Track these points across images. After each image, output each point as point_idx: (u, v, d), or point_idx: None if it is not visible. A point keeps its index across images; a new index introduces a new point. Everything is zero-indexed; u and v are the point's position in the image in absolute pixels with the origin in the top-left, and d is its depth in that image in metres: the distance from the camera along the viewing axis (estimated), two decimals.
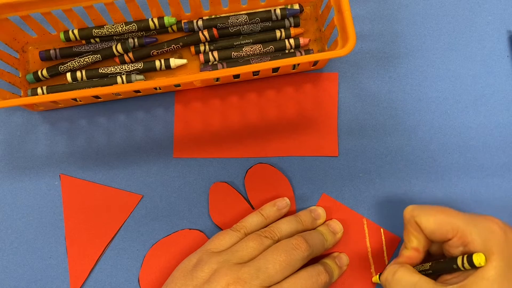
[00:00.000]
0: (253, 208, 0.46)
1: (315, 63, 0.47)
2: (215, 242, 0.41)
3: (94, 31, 0.48)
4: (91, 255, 0.46)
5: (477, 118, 0.48)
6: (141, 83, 0.42)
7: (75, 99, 0.46)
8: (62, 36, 0.48)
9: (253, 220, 0.43)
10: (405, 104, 0.49)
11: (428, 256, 0.41)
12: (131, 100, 0.49)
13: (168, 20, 0.48)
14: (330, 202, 0.47)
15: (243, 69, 0.41)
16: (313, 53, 0.48)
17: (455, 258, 0.36)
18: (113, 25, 0.47)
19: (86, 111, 0.49)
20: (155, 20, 0.47)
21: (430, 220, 0.37)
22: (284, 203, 0.45)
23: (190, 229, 0.46)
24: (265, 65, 0.41)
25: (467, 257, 0.35)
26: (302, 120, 0.48)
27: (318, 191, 0.47)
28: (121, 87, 0.41)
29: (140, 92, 0.47)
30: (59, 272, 0.46)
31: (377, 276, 0.42)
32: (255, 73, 0.47)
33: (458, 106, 0.49)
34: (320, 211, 0.45)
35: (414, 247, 0.39)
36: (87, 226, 0.46)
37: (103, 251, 0.46)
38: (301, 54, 0.47)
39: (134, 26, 0.47)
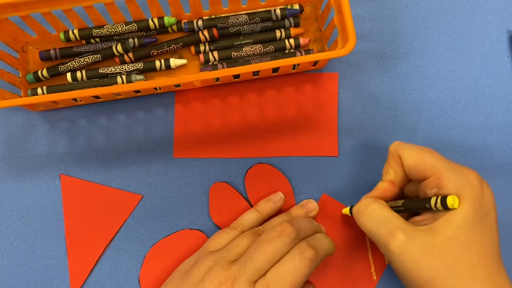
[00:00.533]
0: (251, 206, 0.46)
1: (315, 63, 0.47)
2: (213, 241, 0.42)
3: (94, 31, 0.48)
4: (91, 255, 0.46)
5: (477, 118, 0.48)
6: (141, 83, 0.42)
7: (75, 99, 0.46)
8: (62, 36, 0.48)
9: (249, 217, 0.44)
10: (405, 104, 0.49)
11: (401, 197, 0.41)
12: (131, 100, 0.49)
13: (168, 20, 0.48)
14: (330, 202, 0.47)
15: (243, 69, 0.41)
16: (313, 53, 0.48)
17: (429, 198, 0.37)
18: (113, 25, 0.47)
19: (86, 111, 0.49)
20: (155, 20, 0.47)
21: (412, 155, 0.38)
22: (278, 197, 0.45)
23: (190, 229, 0.46)
24: (265, 65, 0.41)
25: (441, 198, 0.35)
26: (302, 120, 0.48)
27: (318, 191, 0.47)
28: (121, 87, 0.41)
29: (140, 92, 0.47)
30: (59, 272, 0.46)
31: (348, 208, 0.43)
32: (255, 73, 0.47)
33: (458, 106, 0.49)
34: (311, 205, 0.45)
35: (390, 179, 0.40)
36: (87, 226, 0.46)
37: (103, 251, 0.46)
38: (301, 54, 0.47)
39: (134, 26, 0.47)
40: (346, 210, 0.44)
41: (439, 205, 0.35)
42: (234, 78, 0.47)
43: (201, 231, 0.46)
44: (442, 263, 0.34)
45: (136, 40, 0.48)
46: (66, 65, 0.48)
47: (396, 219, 0.37)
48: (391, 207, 0.39)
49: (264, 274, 0.37)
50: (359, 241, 0.46)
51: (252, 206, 0.46)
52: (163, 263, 0.45)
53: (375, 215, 0.38)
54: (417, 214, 0.39)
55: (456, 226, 0.35)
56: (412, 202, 0.38)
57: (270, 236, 0.38)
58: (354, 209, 0.40)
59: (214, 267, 0.38)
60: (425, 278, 0.35)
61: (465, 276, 0.34)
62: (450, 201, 0.35)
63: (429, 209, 0.37)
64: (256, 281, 0.37)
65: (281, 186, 0.47)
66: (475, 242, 0.35)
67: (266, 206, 0.45)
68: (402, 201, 0.39)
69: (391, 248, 0.36)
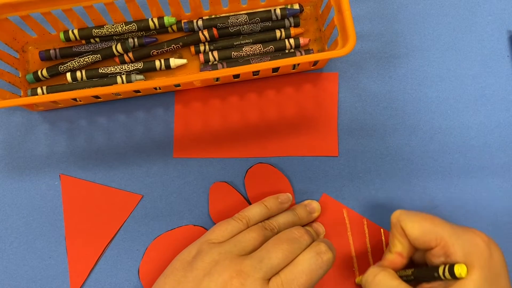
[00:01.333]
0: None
1: (315, 63, 0.47)
2: (216, 232, 0.40)
3: (94, 31, 0.48)
4: (91, 255, 0.46)
5: (477, 118, 0.48)
6: (141, 83, 0.42)
7: (75, 99, 0.46)
8: (62, 36, 0.48)
9: (256, 210, 0.42)
10: (405, 104, 0.49)
11: (411, 263, 0.41)
12: (131, 100, 0.49)
13: (168, 20, 0.48)
14: (330, 202, 0.47)
15: (243, 69, 0.41)
16: (313, 53, 0.48)
17: (437, 267, 0.36)
18: (113, 25, 0.47)
19: (86, 111, 0.49)
20: (155, 20, 0.47)
21: (415, 227, 0.37)
22: (286, 197, 0.45)
23: (194, 225, 0.46)
24: (265, 65, 0.41)
25: (448, 267, 0.35)
26: (302, 120, 0.48)
27: (318, 191, 0.47)
28: (121, 87, 0.41)
29: (140, 92, 0.47)
30: (59, 272, 0.46)
31: (360, 277, 0.42)
32: (255, 73, 0.47)
33: (458, 106, 0.49)
34: (315, 205, 0.45)
35: (398, 251, 0.39)
36: (87, 226, 0.46)
37: (103, 251, 0.46)
38: (301, 54, 0.47)
39: (134, 26, 0.47)
40: (359, 279, 0.43)
41: (447, 274, 0.35)
42: (234, 78, 0.47)
43: (205, 228, 0.46)
44: None
45: (136, 40, 0.48)
46: (66, 65, 0.48)
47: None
48: (401, 277, 0.38)
49: (277, 273, 0.37)
50: (359, 243, 0.46)
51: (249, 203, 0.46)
52: (164, 256, 0.45)
53: (383, 285, 0.37)
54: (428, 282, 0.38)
55: None
56: (421, 271, 0.38)
57: (290, 236, 0.38)
58: (363, 279, 0.39)
59: (221, 261, 0.37)
60: None
61: None
62: (457, 270, 0.34)
63: (439, 278, 0.36)
64: (269, 279, 0.36)
65: (281, 186, 0.47)
66: None
67: (274, 203, 0.44)
68: (412, 270, 0.38)
69: None
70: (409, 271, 0.38)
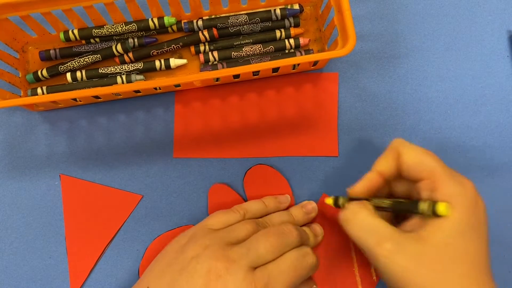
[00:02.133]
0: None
1: (315, 63, 0.47)
2: (213, 218, 0.41)
3: (94, 31, 0.48)
4: (91, 255, 0.46)
5: (477, 118, 0.48)
6: (141, 83, 0.42)
7: (75, 99, 0.46)
8: (62, 36, 0.48)
9: (254, 205, 0.43)
10: (405, 104, 0.49)
11: (390, 195, 0.41)
12: (131, 100, 0.49)
13: (168, 20, 0.48)
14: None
15: (243, 69, 0.41)
16: (313, 53, 0.48)
17: (418, 201, 0.36)
18: (113, 25, 0.47)
19: (86, 111, 0.49)
20: (155, 20, 0.47)
21: (413, 154, 0.37)
22: (284, 198, 0.45)
23: (194, 225, 0.46)
24: (265, 65, 0.41)
25: (432, 204, 0.35)
26: (302, 120, 0.48)
27: (318, 191, 0.47)
28: (121, 87, 0.41)
29: (140, 92, 0.47)
30: (59, 272, 0.46)
31: (331, 199, 0.41)
32: (255, 73, 0.47)
33: (458, 106, 0.49)
34: (310, 206, 0.45)
35: (380, 170, 0.39)
36: (87, 226, 0.46)
37: (103, 251, 0.46)
38: (301, 54, 0.47)
39: (134, 26, 0.47)
40: (329, 201, 0.42)
41: (428, 209, 0.35)
42: (234, 78, 0.47)
43: None
44: (431, 272, 0.34)
45: (136, 40, 0.48)
46: (66, 65, 0.48)
47: (384, 228, 0.36)
48: (378, 207, 0.38)
49: (264, 264, 0.37)
50: None
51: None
52: None
53: (362, 224, 0.37)
54: (405, 215, 0.38)
55: (446, 234, 0.34)
56: (401, 204, 0.37)
57: (279, 230, 0.38)
58: (341, 216, 0.39)
59: (211, 246, 0.37)
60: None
61: (454, 286, 0.34)
62: (440, 207, 0.34)
63: (418, 213, 0.36)
64: (255, 268, 0.36)
65: (280, 187, 0.47)
66: (465, 252, 0.34)
67: (272, 201, 0.44)
68: (390, 202, 0.38)
69: (379, 258, 0.35)
70: (386, 202, 0.38)
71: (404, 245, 0.35)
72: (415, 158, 0.37)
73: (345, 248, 0.45)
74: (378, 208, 0.38)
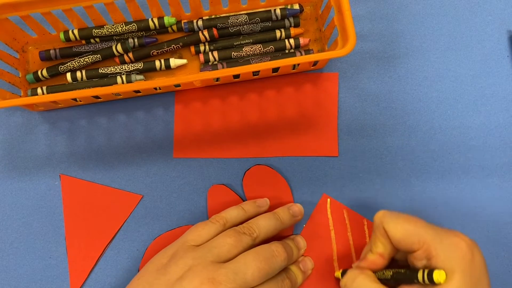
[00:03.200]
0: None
1: (315, 63, 0.47)
2: (192, 234, 0.40)
3: (94, 31, 0.48)
4: (91, 255, 0.46)
5: (477, 118, 0.48)
6: (141, 83, 0.42)
7: (75, 99, 0.46)
8: (62, 36, 0.48)
9: (233, 212, 0.42)
10: (405, 104, 0.49)
11: (392, 261, 0.41)
12: (131, 100, 0.49)
13: (168, 20, 0.48)
14: (330, 202, 0.47)
15: (243, 69, 0.41)
16: (313, 53, 0.48)
17: (417, 271, 0.36)
18: (113, 25, 0.47)
19: (86, 111, 0.49)
20: (155, 20, 0.47)
21: (398, 228, 0.37)
22: (263, 201, 0.45)
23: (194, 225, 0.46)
24: (265, 65, 0.41)
25: (427, 272, 0.35)
26: (302, 120, 0.48)
27: (318, 191, 0.47)
28: (121, 87, 0.41)
29: (140, 92, 0.47)
30: (59, 272, 0.46)
31: (340, 272, 0.43)
32: (255, 73, 0.47)
33: (458, 106, 0.49)
34: (297, 209, 0.45)
35: (379, 252, 0.38)
36: (87, 226, 0.46)
37: (103, 251, 0.46)
38: (301, 54, 0.47)
39: (134, 26, 0.47)
40: (338, 274, 0.43)
41: (426, 279, 0.35)
42: (234, 78, 0.47)
43: None
44: None
45: (136, 40, 0.48)
46: (66, 65, 0.48)
47: None
48: (380, 279, 0.38)
49: None
50: (359, 243, 0.46)
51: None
52: None
53: None
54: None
55: None
56: (401, 275, 0.37)
57: (268, 254, 0.38)
58: (342, 282, 0.39)
59: (194, 266, 0.37)
60: None
61: None
62: (436, 277, 0.34)
63: (418, 282, 0.36)
64: None
65: (279, 187, 0.47)
66: None
67: (252, 206, 0.44)
68: (391, 273, 0.38)
69: None
70: (388, 274, 0.38)
71: None
72: (401, 232, 0.37)
73: (345, 248, 0.45)
74: (381, 280, 0.38)
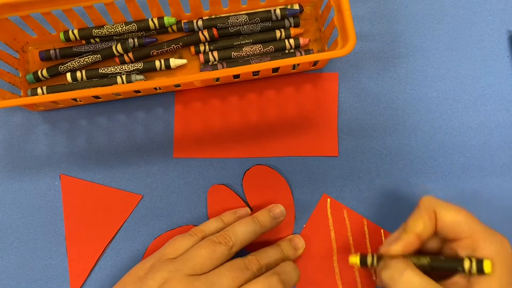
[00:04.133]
0: (251, 209, 0.46)
1: (315, 63, 0.47)
2: (170, 247, 0.40)
3: (94, 31, 0.48)
4: (91, 255, 0.46)
5: (477, 118, 0.48)
6: (141, 83, 0.42)
7: (75, 99, 0.46)
8: (62, 36, 0.48)
9: (212, 224, 0.42)
10: (405, 104, 0.49)
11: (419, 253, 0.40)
12: (131, 100, 0.49)
13: (168, 20, 0.48)
14: (330, 202, 0.47)
15: (243, 69, 0.41)
16: (313, 53, 0.48)
17: (461, 260, 0.36)
18: (113, 25, 0.47)
19: (86, 111, 0.49)
20: (155, 20, 0.47)
21: (451, 214, 0.37)
22: (244, 211, 0.45)
23: (194, 225, 0.46)
24: (265, 65, 0.41)
25: (476, 261, 0.35)
26: (302, 120, 0.48)
27: (318, 191, 0.47)
28: (121, 87, 0.41)
29: (140, 92, 0.47)
30: (59, 272, 0.46)
31: (356, 257, 0.40)
32: (255, 73, 0.47)
33: (458, 106, 0.49)
34: (278, 210, 0.44)
35: (417, 232, 0.38)
36: (87, 226, 0.46)
37: (103, 251, 0.46)
38: (301, 54, 0.47)
39: (134, 26, 0.47)
40: (355, 260, 0.40)
41: (474, 269, 0.35)
42: (234, 78, 0.47)
43: None
44: None
45: (136, 40, 0.48)
46: (66, 65, 0.48)
47: (434, 287, 0.35)
48: (416, 264, 0.37)
49: None
50: (359, 243, 0.46)
51: (250, 208, 0.46)
52: None
53: (410, 283, 0.36)
54: (437, 274, 0.38)
55: None
56: (440, 262, 0.37)
57: (241, 266, 0.38)
58: (386, 274, 0.37)
59: (170, 280, 0.37)
60: None
61: None
62: (486, 265, 0.34)
63: (459, 272, 0.36)
64: None
65: (279, 187, 0.47)
66: None
67: (231, 217, 0.44)
68: (428, 259, 0.37)
69: None
70: (424, 260, 0.37)
71: None
72: (452, 217, 0.37)
73: (345, 248, 0.45)
74: (416, 266, 0.37)
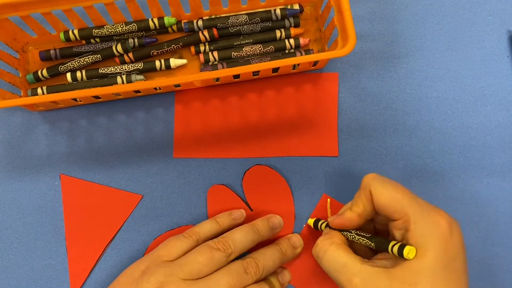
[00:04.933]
0: (251, 210, 0.46)
1: (315, 63, 0.47)
2: (165, 248, 0.40)
3: (94, 31, 0.48)
4: (91, 255, 0.46)
5: (477, 118, 0.48)
6: (141, 83, 0.42)
7: (75, 99, 0.46)
8: (62, 36, 0.48)
9: (206, 226, 0.42)
10: (405, 104, 0.49)
11: (371, 223, 0.41)
12: (131, 100, 0.49)
13: (168, 20, 0.48)
14: (330, 202, 0.47)
15: (243, 69, 0.41)
16: (313, 53, 0.48)
17: (389, 242, 0.36)
18: (113, 25, 0.47)
19: (86, 111, 0.49)
20: (155, 20, 0.48)
21: (384, 194, 0.37)
22: (239, 213, 0.45)
23: (194, 225, 0.46)
24: (265, 65, 0.41)
25: (399, 246, 0.35)
26: (302, 120, 0.48)
27: (318, 191, 0.47)
28: (121, 87, 0.41)
29: (140, 92, 0.47)
30: (59, 272, 0.46)
31: (312, 220, 0.44)
32: (255, 73, 0.47)
33: (458, 106, 0.49)
34: (277, 221, 0.44)
35: (358, 212, 0.39)
36: (87, 226, 0.46)
37: (103, 251, 0.46)
38: (301, 54, 0.47)
39: (134, 26, 0.47)
40: (310, 221, 0.45)
41: (395, 253, 0.35)
42: (234, 78, 0.47)
43: None
44: None
45: (136, 40, 0.48)
46: (66, 65, 0.48)
47: (353, 264, 0.36)
48: (359, 235, 0.39)
49: None
50: None
51: (250, 208, 0.46)
52: None
53: (333, 261, 0.37)
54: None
55: (416, 273, 0.34)
56: (376, 242, 0.38)
57: (239, 270, 0.38)
58: (314, 252, 0.39)
59: (166, 284, 0.37)
60: None
61: None
62: (406, 251, 0.34)
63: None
64: None
65: (279, 186, 0.47)
66: None
67: (226, 219, 0.44)
68: (366, 239, 0.38)
69: None
70: (363, 239, 0.38)
71: (372, 282, 0.35)
72: (385, 198, 0.37)
73: None
74: (355, 244, 0.39)
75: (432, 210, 0.36)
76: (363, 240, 0.38)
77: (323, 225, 0.43)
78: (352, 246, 0.40)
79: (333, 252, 0.38)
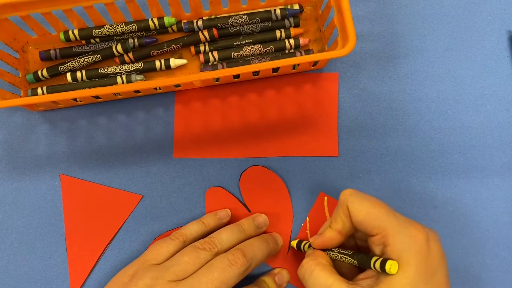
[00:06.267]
0: (249, 211, 0.46)
1: (315, 63, 0.47)
2: (152, 252, 0.40)
3: (94, 31, 0.48)
4: (91, 255, 0.46)
5: (477, 118, 0.48)
6: (141, 83, 0.42)
7: (75, 99, 0.46)
8: (62, 36, 0.48)
9: (192, 227, 0.43)
10: (405, 104, 0.49)
11: (351, 240, 0.41)
12: (131, 100, 0.49)
13: (168, 20, 0.48)
14: (328, 200, 0.46)
15: (243, 69, 0.41)
16: (313, 53, 0.48)
17: (371, 257, 0.36)
18: (113, 25, 0.47)
19: (86, 111, 0.49)
20: (155, 20, 0.48)
21: (361, 210, 0.37)
22: (224, 213, 0.45)
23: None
24: (265, 65, 0.41)
25: (381, 262, 0.35)
26: (302, 120, 0.48)
27: (318, 191, 0.47)
28: (121, 87, 0.41)
29: (140, 92, 0.47)
30: (59, 272, 0.46)
31: (295, 242, 0.44)
32: (255, 73, 0.47)
33: (458, 106, 0.49)
34: (262, 220, 0.45)
35: (338, 229, 0.38)
36: (87, 226, 0.46)
37: (103, 251, 0.46)
38: (301, 54, 0.47)
39: (134, 26, 0.47)
40: (293, 244, 0.44)
41: (378, 268, 0.35)
42: (234, 78, 0.47)
43: None
44: None
45: (136, 40, 0.48)
46: (66, 65, 0.48)
47: (339, 285, 0.36)
48: (341, 253, 0.39)
49: None
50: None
51: (248, 209, 0.46)
52: None
53: (318, 284, 0.37)
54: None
55: None
56: (358, 259, 0.37)
57: (222, 263, 0.38)
58: (299, 273, 0.39)
59: (154, 286, 0.37)
60: None
61: None
62: (388, 267, 0.34)
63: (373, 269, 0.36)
64: None
65: (276, 187, 0.47)
66: None
67: (212, 219, 0.44)
68: (348, 257, 0.38)
69: None
70: (345, 257, 0.38)
71: None
72: (363, 214, 0.37)
73: None
74: (335, 262, 0.39)
75: (409, 224, 0.36)
76: (345, 258, 0.38)
77: (306, 245, 0.43)
78: (336, 264, 0.40)
79: (317, 274, 0.37)
